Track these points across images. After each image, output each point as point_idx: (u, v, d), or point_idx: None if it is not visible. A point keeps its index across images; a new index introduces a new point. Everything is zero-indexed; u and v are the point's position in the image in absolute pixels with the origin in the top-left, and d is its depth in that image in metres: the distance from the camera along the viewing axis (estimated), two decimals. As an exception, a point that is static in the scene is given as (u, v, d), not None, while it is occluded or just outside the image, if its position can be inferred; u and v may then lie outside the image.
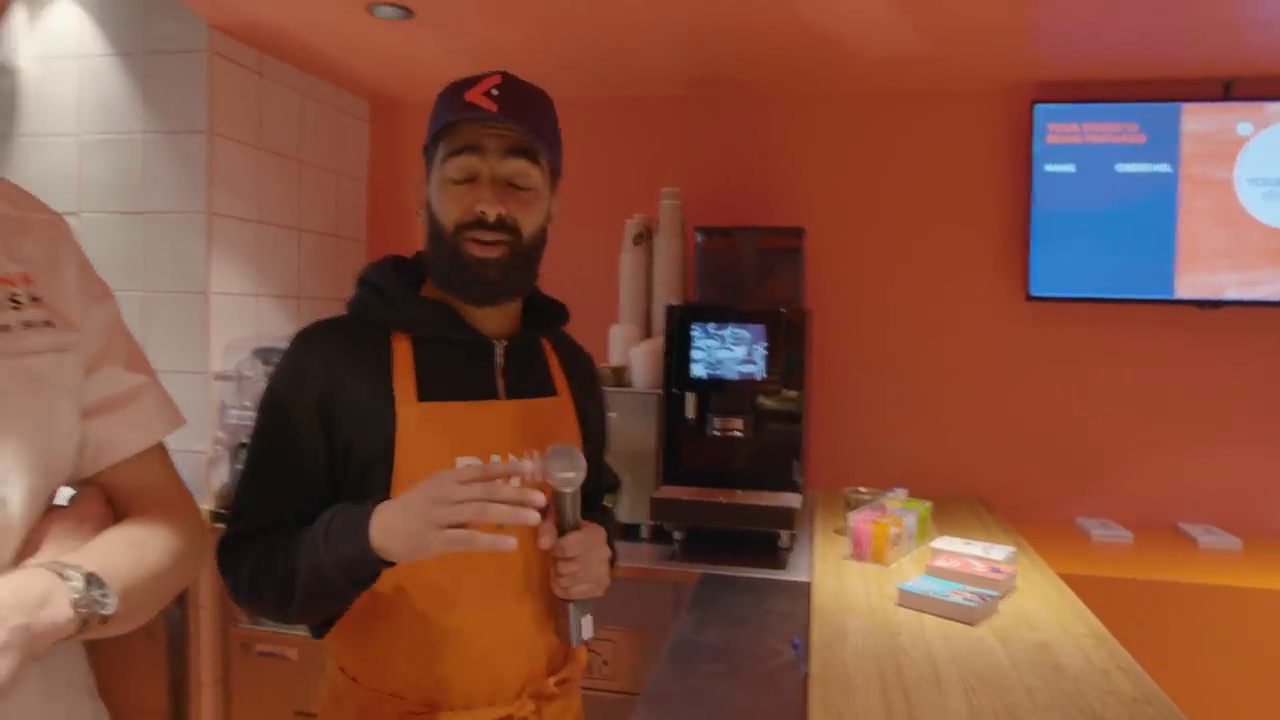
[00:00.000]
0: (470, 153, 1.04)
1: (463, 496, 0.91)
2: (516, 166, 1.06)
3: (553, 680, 1.15)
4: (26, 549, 0.77)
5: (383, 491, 1.02)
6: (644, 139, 2.78)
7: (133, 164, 2.28)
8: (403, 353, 1.07)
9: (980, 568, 1.71)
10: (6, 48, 2.31)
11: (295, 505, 1.04)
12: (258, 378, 2.30)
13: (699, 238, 2.42)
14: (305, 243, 2.66)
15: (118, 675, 2.13)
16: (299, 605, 1.00)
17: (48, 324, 0.84)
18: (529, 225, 1.08)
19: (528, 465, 1.03)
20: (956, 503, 2.48)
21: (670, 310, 2.22)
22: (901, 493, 2.22)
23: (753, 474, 2.20)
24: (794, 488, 2.17)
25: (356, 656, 1.09)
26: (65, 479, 0.86)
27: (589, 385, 1.27)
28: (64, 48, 2.30)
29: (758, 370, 2.13)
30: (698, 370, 2.17)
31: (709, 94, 2.72)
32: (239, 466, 2.30)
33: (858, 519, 1.93)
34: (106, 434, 0.89)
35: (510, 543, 0.91)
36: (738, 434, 2.15)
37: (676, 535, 2.19)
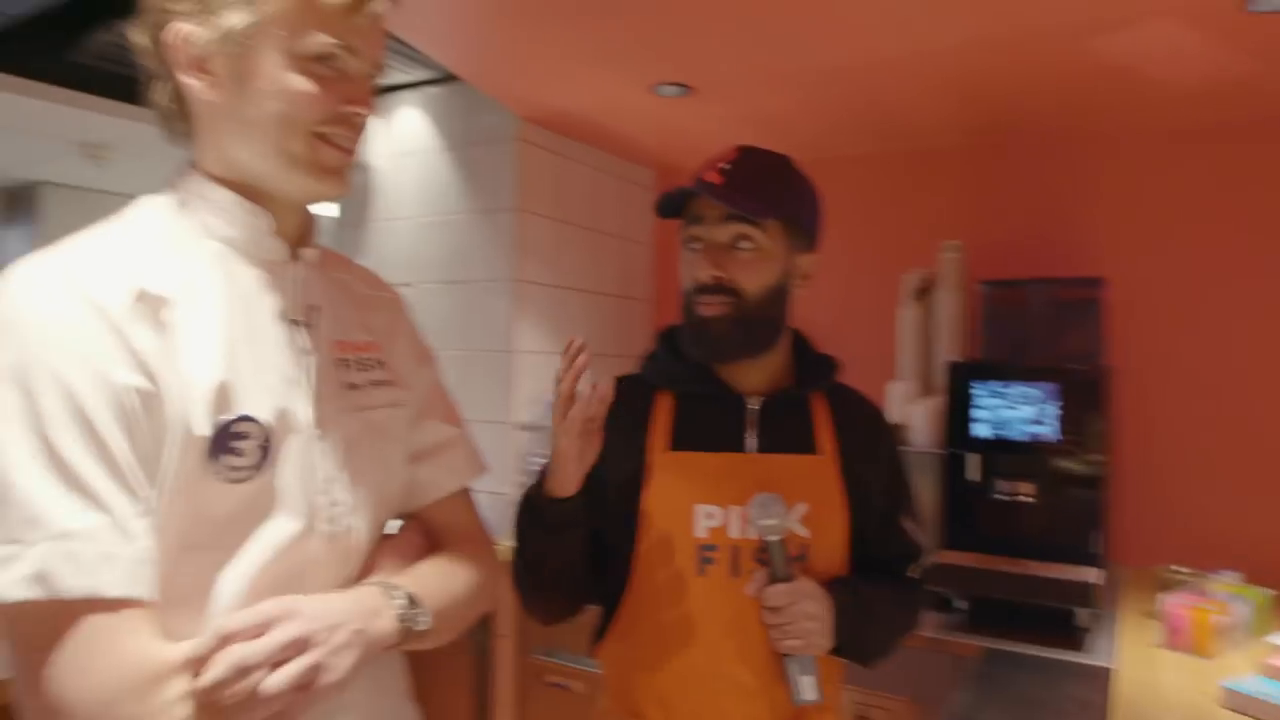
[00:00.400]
0: (695, 223, 1.16)
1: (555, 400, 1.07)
2: (733, 231, 1.14)
3: None
4: (365, 568, 0.93)
5: (634, 526, 1.14)
6: (922, 191, 2.71)
7: (456, 240, 2.63)
8: (663, 406, 1.19)
9: (1335, 672, 1.44)
10: (365, 149, 2.78)
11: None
12: (553, 428, 2.52)
13: (983, 291, 2.31)
14: (600, 304, 2.88)
15: (433, 688, 2.40)
16: (529, 558, 1.17)
17: (388, 383, 1.01)
18: (751, 285, 1.14)
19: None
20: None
21: (952, 367, 2.13)
22: (1232, 576, 1.94)
23: (1045, 543, 2.03)
24: (1093, 561, 1.97)
25: (615, 683, 1.21)
26: (395, 513, 1.03)
27: (871, 446, 1.24)
28: (407, 145, 2.72)
29: (1049, 431, 1.97)
30: (980, 430, 2.05)
31: (991, 140, 2.61)
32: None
33: (1173, 602, 1.71)
34: (426, 477, 1.05)
35: (606, 388, 1.05)
36: (1026, 499, 2.00)
37: (960, 604, 2.07)
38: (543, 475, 1.13)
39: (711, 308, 1.14)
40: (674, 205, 1.19)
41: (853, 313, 2.77)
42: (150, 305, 0.79)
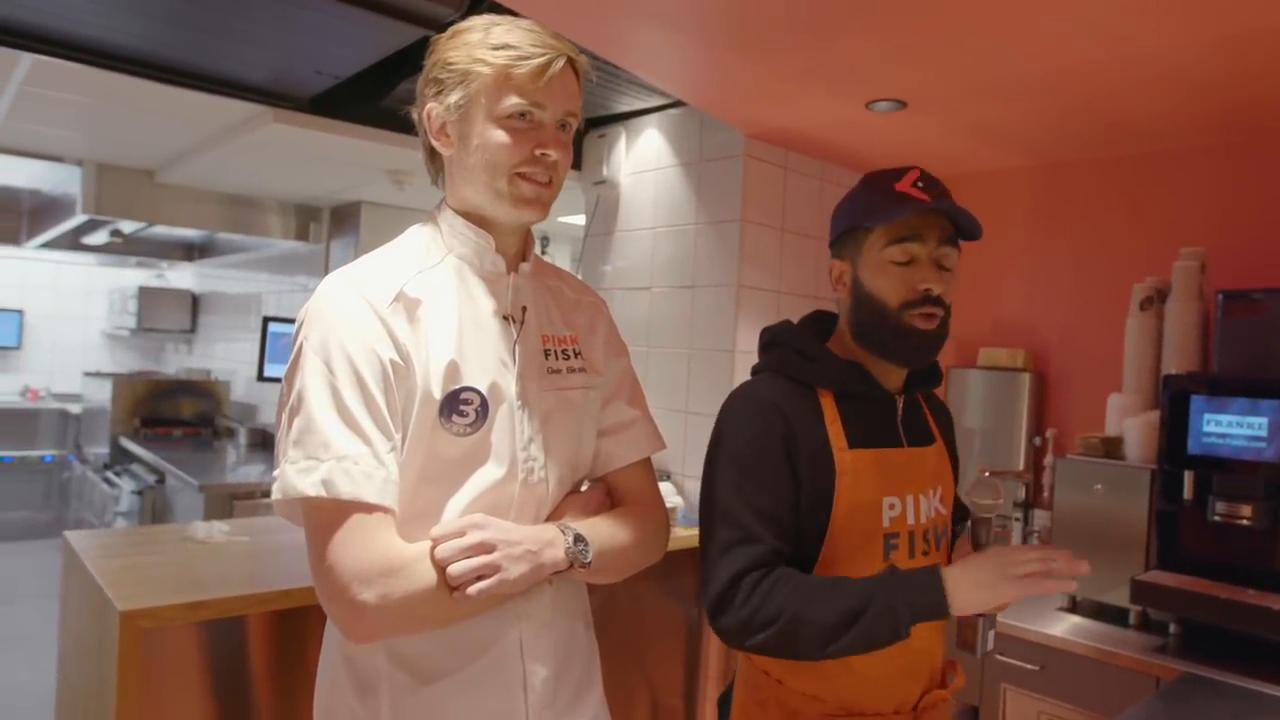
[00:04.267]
0: (912, 240, 1.23)
1: (1026, 556, 1.13)
2: (945, 251, 1.25)
3: (941, 693, 1.29)
4: (554, 513, 1.21)
5: (821, 529, 1.22)
6: (1156, 196, 2.58)
7: (687, 249, 2.89)
8: (829, 405, 1.27)
9: None
10: (613, 167, 3.13)
11: (788, 531, 1.21)
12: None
13: (1221, 301, 2.18)
14: (815, 308, 3.01)
15: (652, 654, 2.68)
16: (846, 645, 1.13)
17: (583, 370, 1.28)
18: (950, 300, 1.26)
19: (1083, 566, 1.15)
20: None
21: (1167, 380, 2.06)
22: None
23: (1267, 570, 1.91)
24: (1321, 594, 1.83)
25: (784, 663, 1.25)
26: (584, 476, 1.30)
27: (951, 434, 1.42)
28: (647, 163, 3.03)
29: (1272, 451, 1.85)
30: (1196, 446, 1.97)
31: (1233, 142, 2.42)
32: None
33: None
34: (611, 449, 1.31)
35: (1084, 568, 1.12)
36: (1245, 521, 1.89)
37: (1172, 628, 2.00)
38: (913, 588, 1.15)
39: (933, 321, 1.23)
40: (884, 216, 1.24)
41: (1080, 322, 2.70)
42: (407, 304, 1.12)
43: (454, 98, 1.13)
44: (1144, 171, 2.61)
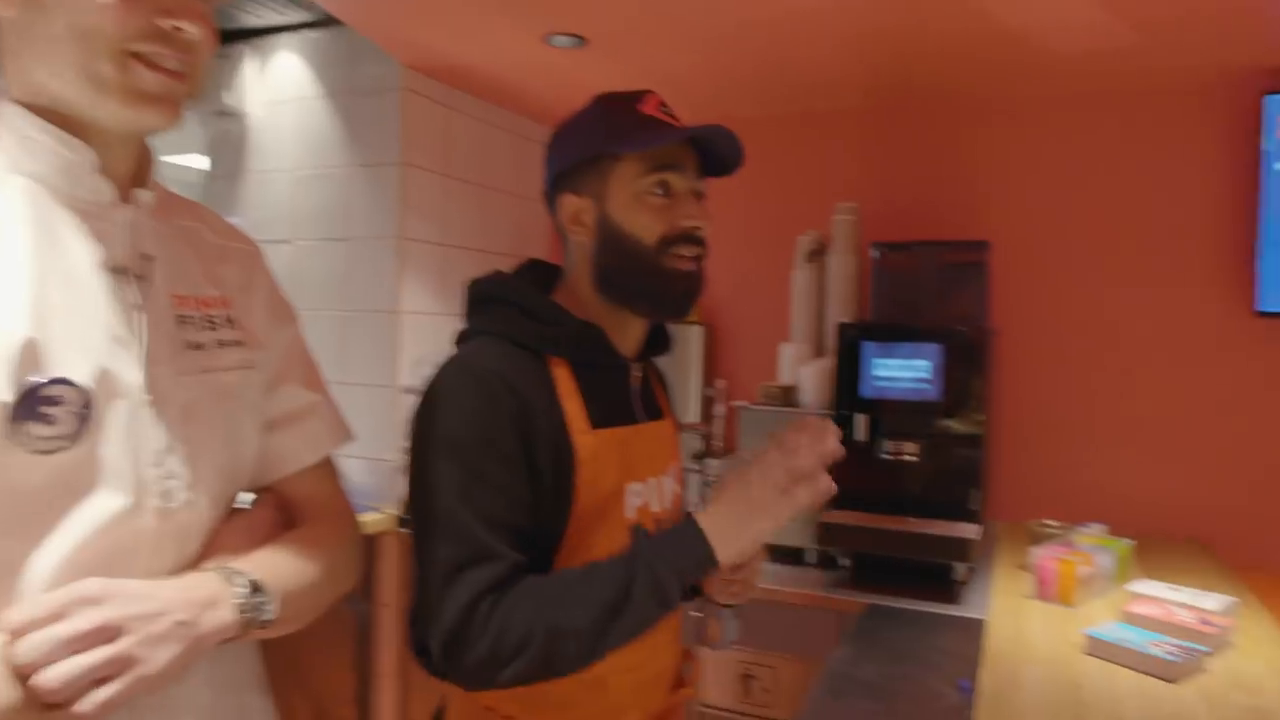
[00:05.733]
0: (672, 170, 1.04)
1: (768, 463, 0.94)
2: (699, 185, 1.08)
3: (685, 691, 1.17)
4: (208, 548, 0.85)
5: (560, 524, 0.99)
6: (818, 153, 2.72)
7: (336, 195, 2.49)
8: (564, 377, 1.03)
9: (1187, 617, 1.52)
10: (238, 95, 2.60)
11: (528, 538, 0.97)
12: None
13: (875, 253, 2.33)
14: (491, 264, 2.77)
15: (312, 658, 2.32)
16: (616, 638, 0.93)
17: (238, 344, 0.92)
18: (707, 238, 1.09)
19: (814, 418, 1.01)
20: (1166, 544, 2.22)
21: (842, 328, 2.15)
22: (1098, 529, 2.03)
23: (927, 501, 2.08)
24: (971, 517, 2.03)
25: (515, 695, 1.01)
26: (245, 485, 0.94)
27: (671, 402, 1.27)
28: (284, 92, 2.56)
29: (934, 392, 2.01)
30: (869, 391, 2.08)
31: (887, 104, 2.62)
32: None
33: (1043, 555, 1.78)
34: (282, 446, 0.97)
35: (829, 483, 0.95)
36: (911, 458, 2.04)
37: (844, 562, 2.11)
38: (672, 551, 0.95)
39: (692, 261, 1.06)
40: (638, 142, 1.04)
41: (748, 275, 2.77)
42: None
43: None
44: (808, 129, 2.73)
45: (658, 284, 1.04)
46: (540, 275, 1.15)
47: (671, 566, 0.93)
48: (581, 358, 1.05)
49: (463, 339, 1.10)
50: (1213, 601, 1.59)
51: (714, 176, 1.11)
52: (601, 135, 1.05)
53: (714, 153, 1.08)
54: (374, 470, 2.40)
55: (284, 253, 2.55)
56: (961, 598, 1.89)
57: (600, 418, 1.04)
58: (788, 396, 2.30)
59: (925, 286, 2.25)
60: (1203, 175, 2.34)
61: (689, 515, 0.95)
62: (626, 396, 1.11)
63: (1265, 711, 1.25)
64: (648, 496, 1.08)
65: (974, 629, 1.68)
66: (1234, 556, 2.19)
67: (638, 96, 1.06)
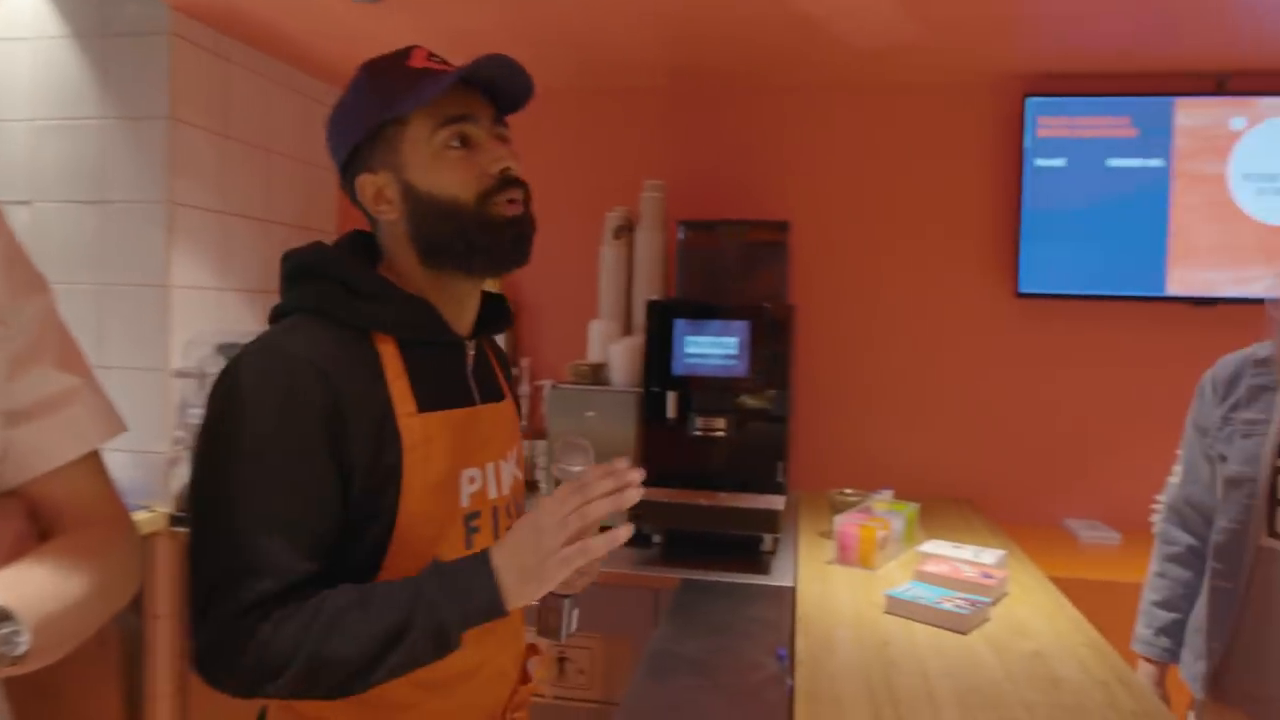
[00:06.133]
0: (467, 121, 0.96)
1: (565, 512, 0.88)
2: (502, 130, 1.01)
3: (529, 688, 1.12)
4: None
5: (389, 517, 0.91)
6: (625, 130, 2.71)
7: (88, 151, 2.18)
8: (391, 357, 0.94)
9: (971, 573, 1.65)
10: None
11: (317, 553, 0.88)
12: (221, 374, 2.21)
13: (681, 231, 2.35)
14: (273, 234, 2.56)
15: (68, 685, 2.03)
16: (387, 671, 0.85)
17: None
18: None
19: (623, 462, 0.93)
20: (943, 504, 2.42)
21: (651, 305, 2.15)
22: (888, 494, 2.16)
23: (735, 475, 2.13)
24: (777, 489, 2.10)
25: (336, 708, 0.93)
26: None
27: (511, 381, 1.22)
28: (18, 29, 2.19)
29: (741, 368, 2.06)
30: (679, 368, 2.09)
31: (692, 84, 2.65)
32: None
33: (844, 522, 1.87)
34: (34, 441, 0.80)
35: (627, 530, 0.90)
36: (720, 434, 2.08)
37: (655, 538, 2.12)
38: (459, 590, 0.87)
39: (517, 205, 0.98)
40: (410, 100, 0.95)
41: (554, 251, 2.71)
42: None
43: None
44: (616, 105, 2.70)
45: (487, 238, 0.97)
46: (365, 247, 1.04)
47: (456, 613, 0.86)
48: (410, 335, 0.97)
49: (278, 316, 0.99)
50: (989, 556, 1.74)
51: (510, 114, 1.04)
52: (377, 103, 0.96)
53: (501, 90, 1.00)
54: (141, 464, 2.13)
55: (22, 215, 2.20)
56: (770, 567, 1.95)
57: (431, 400, 0.96)
58: (597, 374, 2.28)
59: (729, 264, 2.29)
60: (976, 168, 2.55)
61: (485, 554, 0.88)
62: (461, 376, 1.04)
63: (1043, 654, 1.37)
64: (484, 482, 1.01)
65: (785, 597, 1.74)
66: (999, 514, 2.42)
67: (404, 53, 0.98)
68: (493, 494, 1.02)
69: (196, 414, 2.18)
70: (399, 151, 0.96)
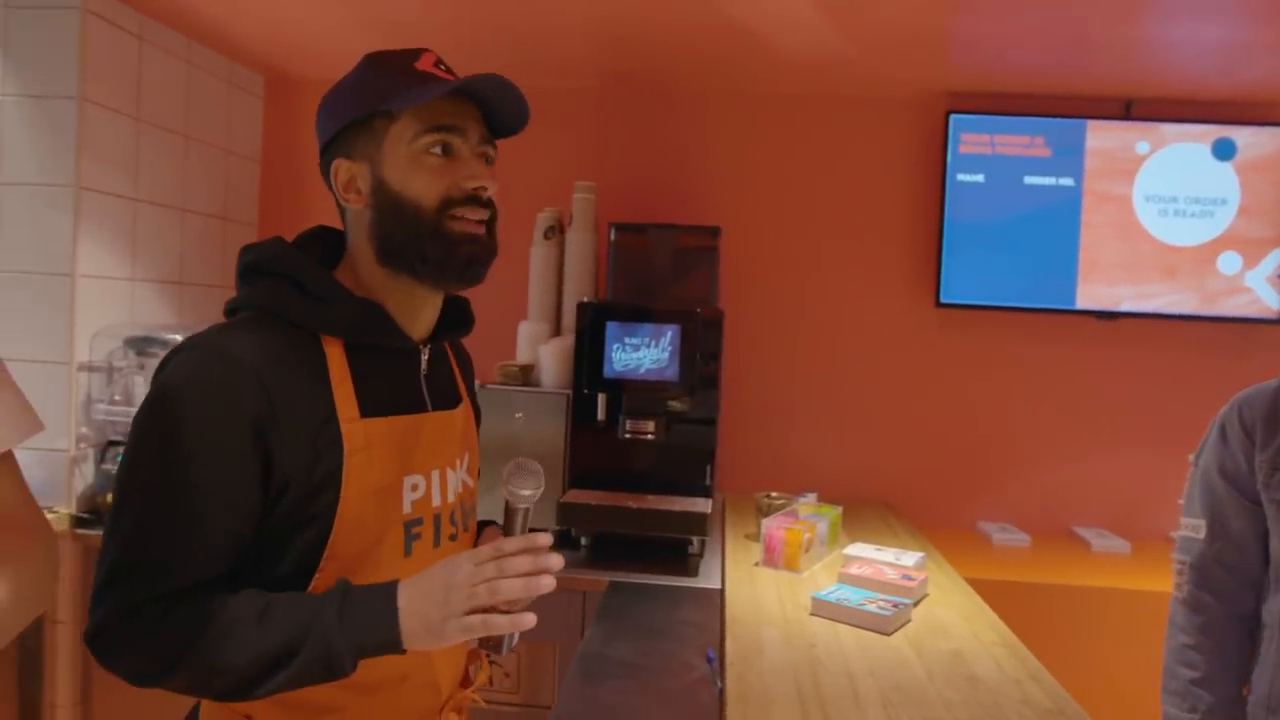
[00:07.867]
0: (452, 132, 0.96)
1: (477, 580, 0.85)
2: (489, 150, 1.00)
3: (466, 694, 1.10)
4: None
5: (325, 521, 0.89)
6: (558, 131, 2.69)
7: (-12, 129, 2.06)
8: (337, 360, 0.93)
9: (892, 575, 1.69)
10: None
11: (227, 555, 0.87)
12: (130, 369, 2.11)
13: (613, 233, 2.35)
14: (190, 224, 2.46)
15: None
16: (276, 686, 0.84)
17: None
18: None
19: (546, 538, 0.91)
20: (863, 507, 2.48)
21: (582, 307, 2.14)
22: (812, 498, 2.21)
23: (663, 478, 2.14)
24: (705, 492, 2.12)
25: (263, 705, 0.92)
26: None
27: (474, 386, 1.21)
28: (-91, -4, 2.06)
29: (671, 371, 2.07)
30: (610, 371, 2.09)
31: (626, 87, 2.66)
32: (107, 467, 2.11)
33: (771, 525, 1.90)
34: None
35: (530, 620, 0.89)
36: (649, 437, 2.09)
37: (583, 541, 2.12)
38: (360, 620, 0.85)
39: (477, 225, 0.97)
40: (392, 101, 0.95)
41: (485, 250, 2.68)
42: None
43: None
44: (550, 105, 2.67)
45: (439, 249, 0.95)
46: (327, 245, 1.03)
47: (350, 644, 0.85)
48: (359, 339, 0.95)
49: (231, 313, 0.97)
50: (909, 559, 1.79)
51: (502, 137, 1.03)
52: (372, 93, 0.95)
53: (497, 111, 1.00)
54: (44, 463, 2.02)
55: (-89, 197, 2.06)
56: (698, 570, 1.96)
57: (376, 405, 0.95)
58: (527, 376, 2.26)
59: (660, 268, 2.31)
60: (901, 181, 2.62)
61: (393, 591, 0.87)
62: (412, 382, 1.02)
63: (961, 653, 1.42)
64: (428, 489, 0.99)
65: (713, 599, 1.75)
66: (917, 517, 2.49)
67: (413, 54, 0.98)
68: (436, 501, 1.00)
69: (104, 410, 2.08)
70: (381, 145, 0.96)
